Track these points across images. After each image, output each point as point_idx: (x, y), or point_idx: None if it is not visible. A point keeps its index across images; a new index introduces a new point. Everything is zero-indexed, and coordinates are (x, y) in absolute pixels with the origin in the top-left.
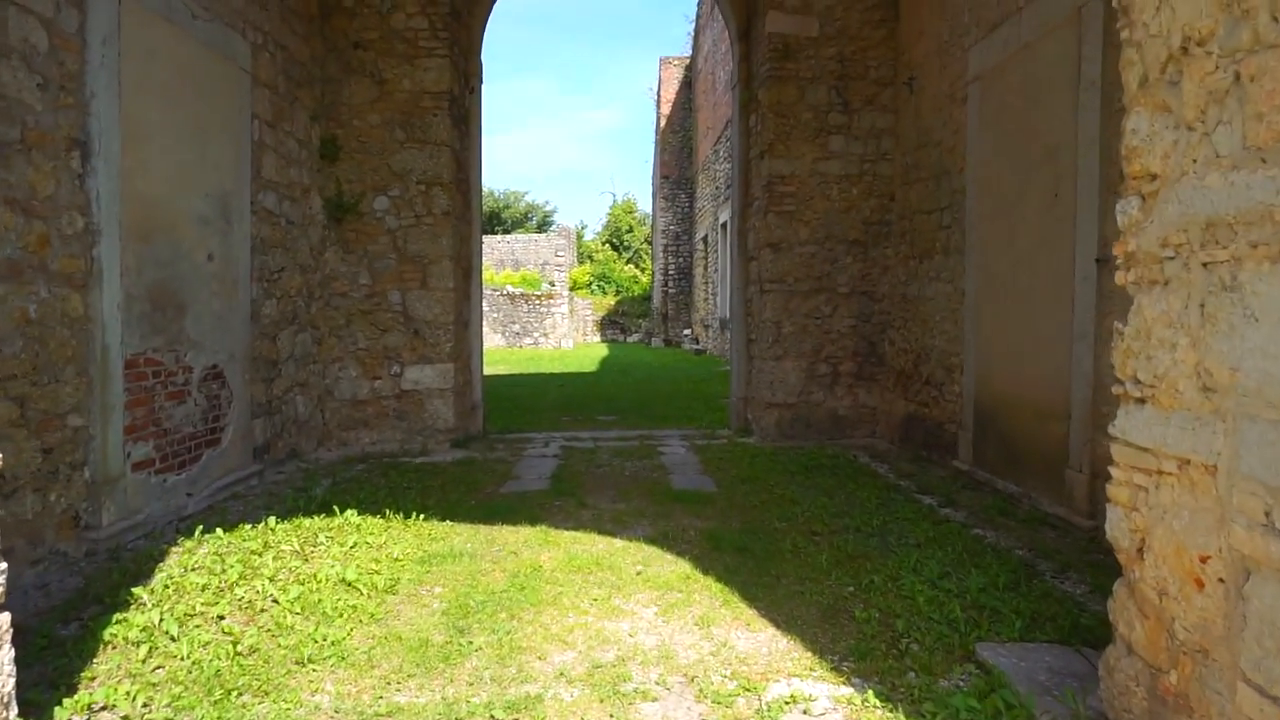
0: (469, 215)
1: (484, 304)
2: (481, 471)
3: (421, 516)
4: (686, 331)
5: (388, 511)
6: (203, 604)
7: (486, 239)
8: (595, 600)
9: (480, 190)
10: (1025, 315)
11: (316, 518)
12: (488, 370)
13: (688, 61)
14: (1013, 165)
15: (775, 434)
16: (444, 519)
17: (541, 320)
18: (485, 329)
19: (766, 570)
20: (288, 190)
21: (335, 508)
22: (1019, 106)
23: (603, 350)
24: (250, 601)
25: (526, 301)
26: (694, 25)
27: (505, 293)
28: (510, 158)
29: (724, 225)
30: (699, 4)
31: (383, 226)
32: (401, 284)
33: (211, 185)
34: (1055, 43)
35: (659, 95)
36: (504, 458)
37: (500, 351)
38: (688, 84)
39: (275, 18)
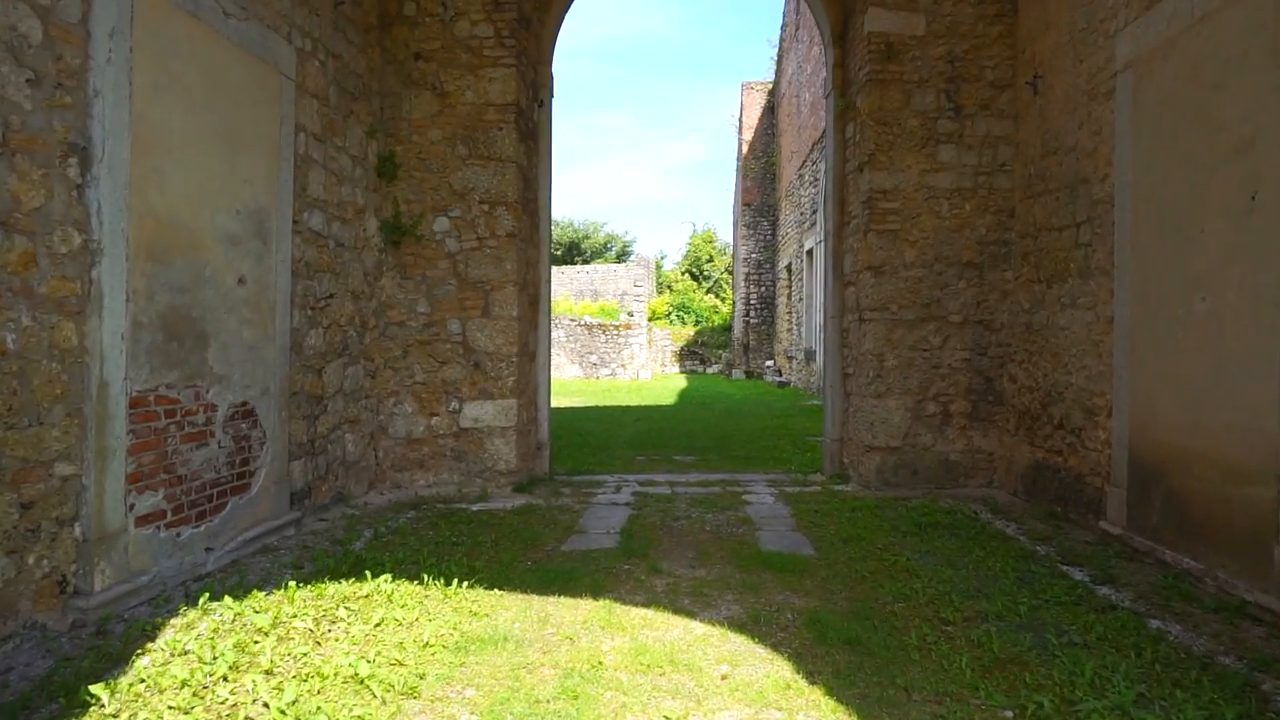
0: (536, 238)
1: (560, 334)
2: (542, 522)
3: (465, 584)
4: (769, 363)
5: (427, 576)
6: (171, 710)
7: (565, 269)
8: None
9: (549, 212)
10: (1206, 348)
11: (345, 582)
12: (561, 402)
13: (770, 86)
14: (1184, 166)
15: (876, 481)
16: (492, 586)
17: (619, 351)
18: (561, 359)
19: (890, 677)
20: (338, 210)
21: (369, 570)
22: (1191, 94)
23: (681, 382)
24: (233, 708)
25: (604, 332)
26: (777, 50)
27: (583, 323)
28: (590, 190)
29: (809, 251)
30: (783, 28)
31: (443, 250)
32: (462, 312)
33: (244, 201)
34: (1244, 9)
35: (741, 121)
36: (570, 505)
37: (576, 383)
38: (770, 109)
39: (327, 24)
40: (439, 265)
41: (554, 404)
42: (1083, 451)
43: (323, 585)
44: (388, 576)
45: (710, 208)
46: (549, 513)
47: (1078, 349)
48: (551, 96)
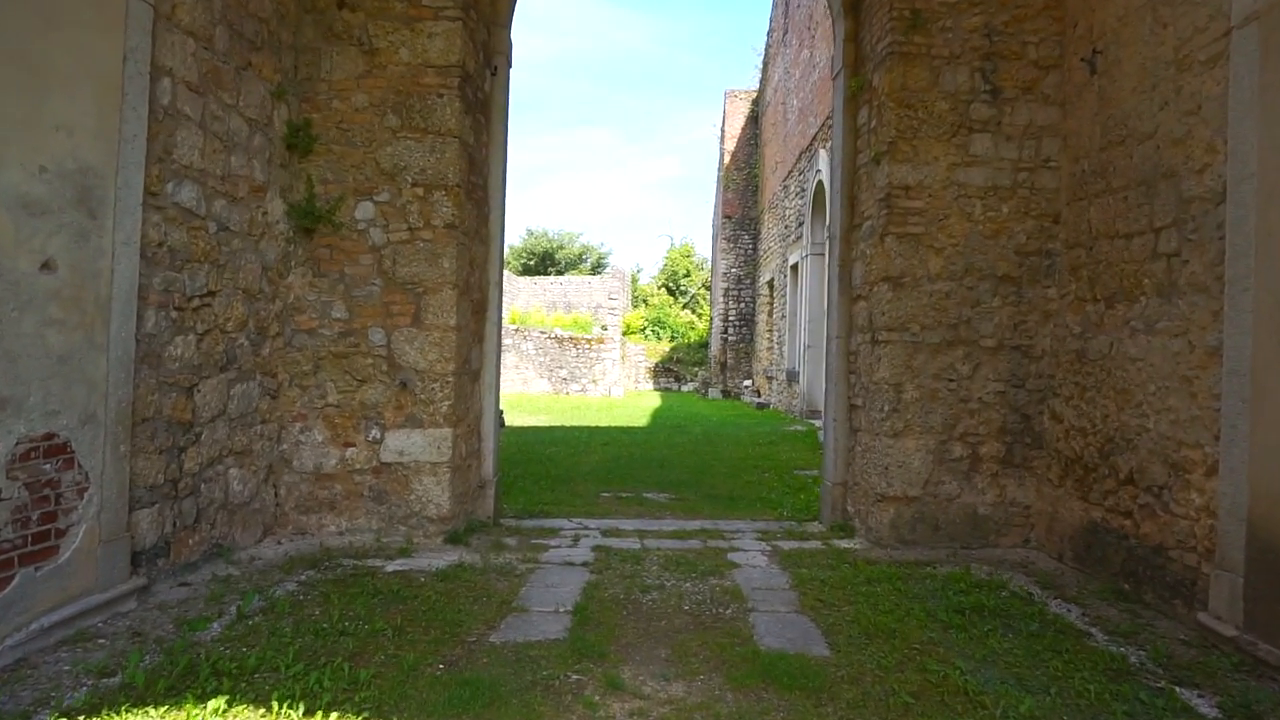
0: (484, 233)
1: (529, 346)
2: (472, 594)
3: (336, 712)
4: (747, 383)
5: (277, 700)
6: None
7: (537, 279)
8: None
9: (503, 202)
10: None
11: (155, 710)
12: (524, 420)
13: (754, 95)
14: None
15: (890, 538)
16: (376, 715)
17: (590, 366)
18: (529, 373)
19: None
20: (223, 185)
21: (203, 682)
22: None
23: (655, 400)
24: None
25: (575, 345)
26: (762, 57)
27: (553, 335)
28: (566, 204)
29: (794, 266)
30: (769, 33)
31: (366, 242)
32: (387, 320)
33: (53, 155)
34: None
35: (723, 130)
36: (512, 565)
37: (544, 399)
38: (754, 119)
39: None
40: (361, 261)
41: (517, 423)
42: (1164, 517)
43: (114, 718)
44: (223, 700)
45: (689, 223)
46: (484, 577)
47: (1157, 386)
48: (509, 66)
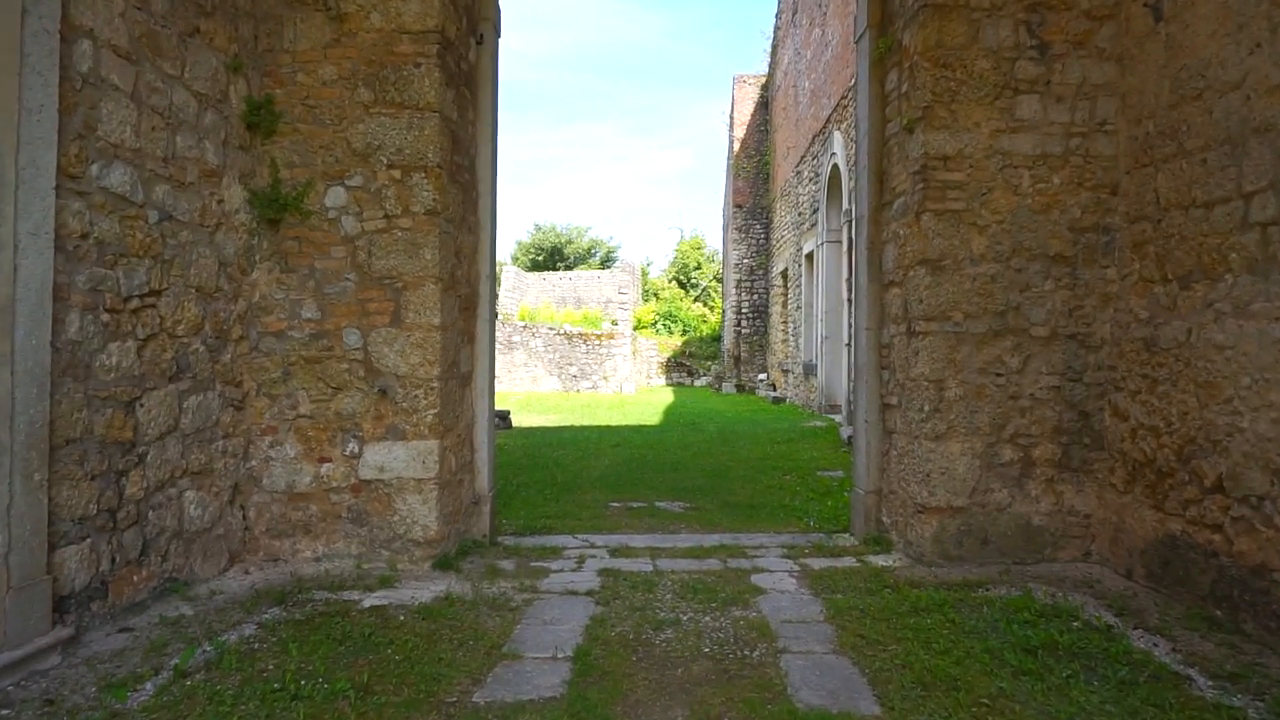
0: (473, 220)
1: (538, 343)
2: (459, 635)
3: None
4: (762, 376)
5: None
6: None
7: (546, 275)
8: None
9: (493, 186)
10: None
11: None
12: (532, 420)
13: (764, 80)
14: None
15: (933, 552)
16: None
17: (601, 362)
18: (539, 371)
19: None
20: (167, 168)
21: None
22: None
23: (668, 396)
24: None
25: (585, 341)
26: (771, 40)
27: (562, 332)
28: (574, 199)
29: (809, 255)
30: (778, 14)
31: (337, 232)
32: (363, 319)
33: None
34: None
35: (732, 117)
36: (507, 596)
37: (554, 397)
38: (764, 104)
39: None
40: (333, 253)
41: (525, 423)
42: (1266, 533)
43: None
44: None
45: (698, 216)
46: (473, 612)
47: (1253, 379)
48: (497, 35)
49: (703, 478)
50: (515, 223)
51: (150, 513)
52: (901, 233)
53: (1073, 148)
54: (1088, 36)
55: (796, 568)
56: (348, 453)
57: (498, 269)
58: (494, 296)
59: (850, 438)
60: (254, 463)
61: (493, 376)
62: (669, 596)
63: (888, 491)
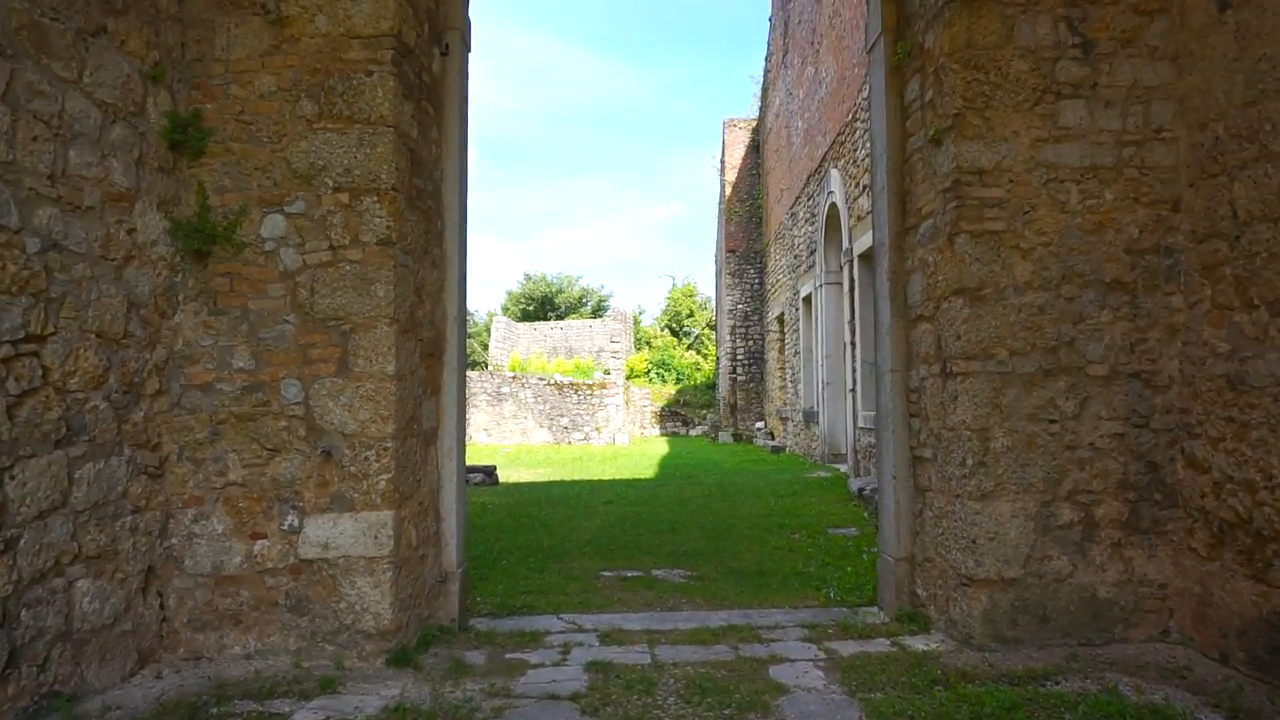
0: (438, 254)
1: (527, 394)
2: None
3: None
4: (759, 425)
5: None
6: None
7: (537, 325)
8: None
9: (463, 215)
10: None
11: None
12: (521, 475)
13: (754, 124)
14: None
15: (983, 633)
16: None
17: (593, 413)
18: (528, 423)
19: None
20: (52, 188)
21: None
22: None
23: (663, 447)
24: None
25: (576, 392)
26: (760, 84)
27: (552, 382)
28: (566, 251)
29: (806, 298)
30: (767, 58)
31: (275, 266)
32: (305, 368)
33: None
34: None
35: (723, 161)
36: (474, 704)
37: (545, 450)
38: (755, 148)
39: None
40: (270, 291)
41: (513, 478)
42: None
43: None
44: None
45: (690, 264)
46: None
47: None
48: (467, 48)
49: (703, 539)
50: (508, 274)
51: (23, 612)
52: (931, 259)
53: (1126, 158)
54: (1137, 33)
55: (822, 655)
56: (286, 527)
57: (489, 318)
58: (463, 341)
59: (861, 490)
60: (174, 541)
61: (463, 433)
62: (672, 701)
63: (923, 559)
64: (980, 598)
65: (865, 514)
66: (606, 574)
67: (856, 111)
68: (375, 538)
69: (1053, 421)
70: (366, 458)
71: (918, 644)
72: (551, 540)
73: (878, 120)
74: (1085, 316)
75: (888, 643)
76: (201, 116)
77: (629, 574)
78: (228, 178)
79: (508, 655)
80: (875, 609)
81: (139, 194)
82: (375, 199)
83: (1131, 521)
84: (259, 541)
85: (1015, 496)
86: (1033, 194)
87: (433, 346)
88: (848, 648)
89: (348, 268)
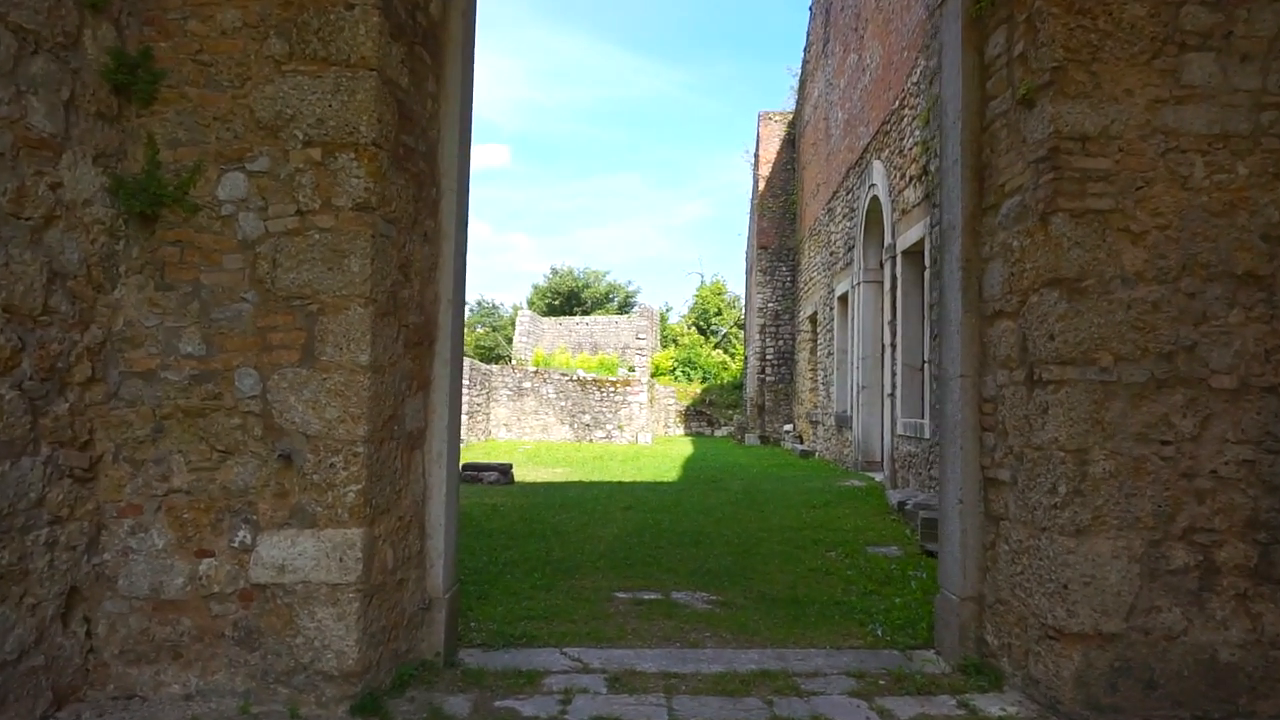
0: (429, 225)
1: (549, 390)
2: None
3: None
4: (788, 428)
5: None
6: None
7: (562, 320)
8: None
9: (463, 184)
10: None
11: None
12: (539, 475)
13: (790, 117)
14: None
15: (1075, 699)
16: None
17: (616, 411)
18: (549, 419)
19: None
20: None
21: None
22: None
23: (687, 448)
24: None
25: (599, 388)
26: (798, 76)
27: (575, 378)
28: (595, 249)
29: (842, 297)
30: (806, 48)
31: (233, 234)
32: (263, 355)
33: None
34: None
35: (757, 155)
36: None
37: (565, 448)
38: (790, 142)
39: None
40: (226, 263)
41: (529, 477)
42: None
43: None
44: None
45: (719, 264)
46: None
47: None
48: None
49: (729, 555)
50: (536, 271)
51: None
52: (1016, 244)
53: (1265, 124)
54: None
55: (875, 717)
56: (236, 544)
57: (514, 312)
58: (459, 329)
59: (903, 505)
60: (106, 556)
61: (456, 436)
62: None
63: (994, 600)
64: (1071, 655)
65: (908, 531)
66: (621, 595)
67: (904, 98)
68: (340, 560)
69: (1166, 443)
70: (333, 464)
71: (991, 708)
72: (563, 551)
73: (950, 83)
74: (1210, 316)
75: (953, 702)
76: (153, 56)
77: (646, 596)
78: (182, 129)
79: (497, 704)
80: (932, 654)
81: (68, 142)
82: (352, 155)
83: (1261, 569)
84: (205, 560)
85: (1117, 533)
86: (1147, 166)
87: (421, 334)
88: (906, 708)
89: (317, 236)
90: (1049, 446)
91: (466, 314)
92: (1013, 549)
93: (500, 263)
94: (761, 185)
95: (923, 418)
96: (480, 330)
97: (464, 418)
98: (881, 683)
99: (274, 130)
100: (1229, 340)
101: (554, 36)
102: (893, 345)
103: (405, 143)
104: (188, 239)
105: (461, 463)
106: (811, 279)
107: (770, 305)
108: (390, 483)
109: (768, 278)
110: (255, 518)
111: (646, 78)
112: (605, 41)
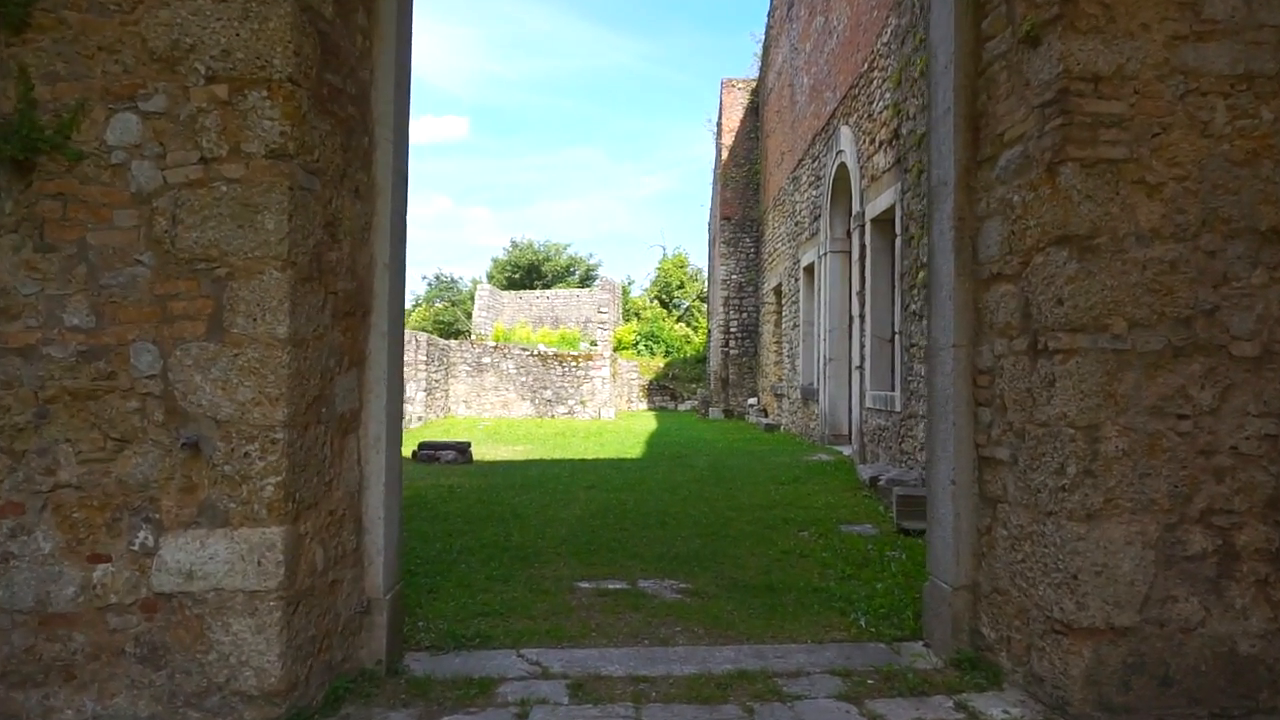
0: (362, 179)
1: (509, 365)
2: None
3: None
4: (752, 401)
5: None
6: None
7: (522, 294)
8: None
9: (400, 133)
10: None
11: None
12: (498, 454)
13: (754, 85)
14: None
15: (1085, 698)
16: None
17: (578, 386)
18: (510, 395)
19: None
20: None
21: None
22: None
23: (650, 422)
24: None
25: (561, 363)
26: (762, 41)
27: (536, 353)
28: (556, 223)
29: (808, 268)
30: (770, 12)
31: (125, 184)
32: (163, 327)
33: None
34: None
35: (720, 124)
36: None
37: (526, 424)
38: (754, 110)
39: None
40: (117, 220)
41: (489, 456)
42: None
43: None
44: None
45: (682, 237)
46: None
47: None
48: None
49: (698, 537)
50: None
51: None
52: (1017, 199)
53: None
54: None
55: None
56: (136, 547)
57: (474, 285)
58: (399, 296)
59: (875, 480)
60: None
61: (397, 417)
62: None
63: (991, 590)
64: (1081, 651)
65: (881, 508)
66: (584, 585)
67: (874, 59)
68: (259, 564)
69: (1183, 417)
70: (248, 453)
71: (993, 709)
72: (522, 536)
73: (939, 24)
74: (1231, 277)
75: (950, 704)
76: None
77: (611, 586)
78: (61, 60)
79: (445, 718)
80: (921, 646)
81: None
82: (264, 93)
83: None
84: (100, 566)
85: (1131, 517)
86: (1165, 110)
87: (353, 303)
88: (900, 712)
89: (225, 189)
90: (1056, 423)
91: (424, 288)
92: (1012, 535)
93: (461, 237)
94: (725, 154)
95: (893, 390)
96: (439, 305)
97: (421, 394)
98: (870, 682)
99: (171, 63)
100: (1251, 303)
101: (513, 5)
102: (861, 316)
103: (330, 82)
104: (71, 191)
105: (418, 441)
106: (776, 250)
107: (734, 277)
108: (318, 473)
109: (731, 249)
110: (158, 516)
111: (608, 49)
112: (565, 12)
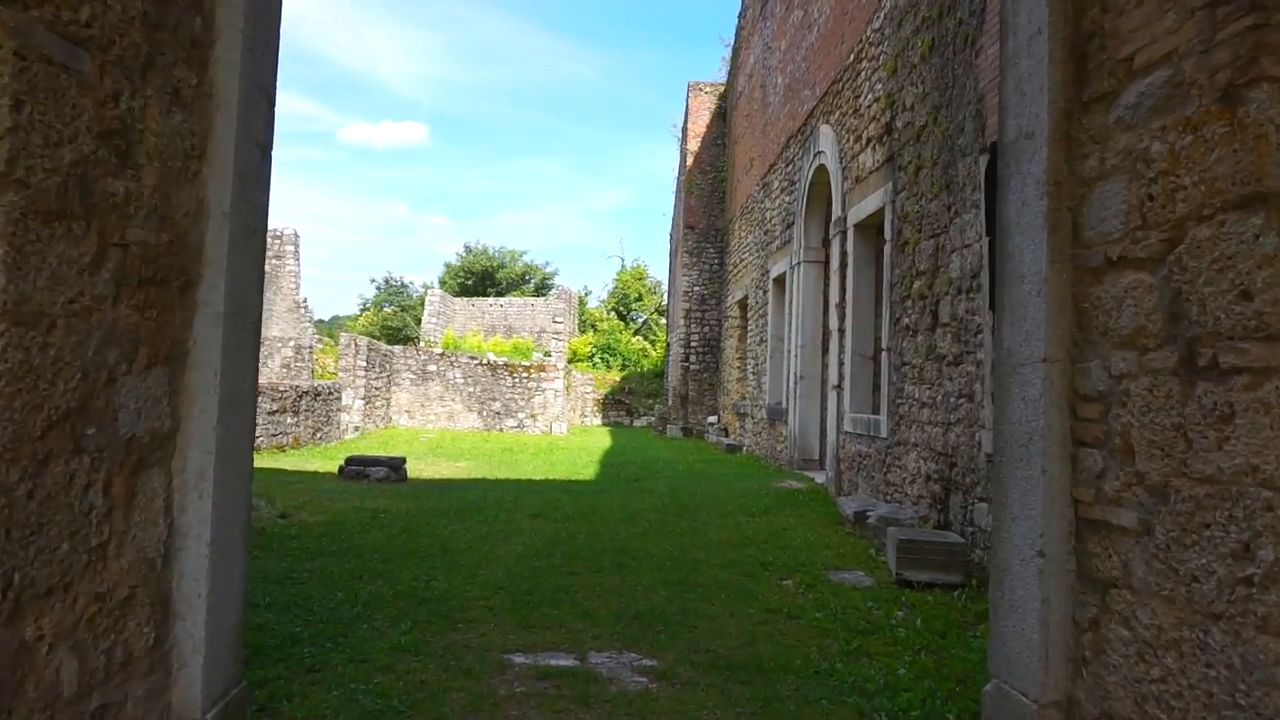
0: (184, 77)
1: (456, 375)
2: None
3: None
4: (712, 419)
5: None
6: None
7: (475, 301)
8: None
9: (266, 23)
10: None
11: None
12: (437, 471)
13: (722, 89)
14: None
15: None
16: None
17: (529, 398)
18: (456, 406)
19: None
20: None
21: None
22: None
23: (605, 439)
24: None
25: (511, 374)
26: (732, 45)
27: (484, 362)
28: (513, 232)
29: (778, 279)
30: (741, 13)
31: None
32: None
33: None
34: None
35: (685, 128)
36: None
37: (472, 437)
38: (721, 116)
39: None
40: None
41: (426, 473)
42: None
43: None
44: None
45: (641, 249)
46: None
47: None
48: None
49: (663, 587)
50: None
51: None
52: (1160, 147)
53: None
54: None
55: None
56: None
57: (425, 291)
58: (255, 265)
59: (863, 516)
60: None
61: (245, 441)
62: None
63: (1100, 715)
64: None
65: (871, 551)
66: (518, 660)
67: (862, 48)
68: None
69: None
70: None
71: None
72: (449, 581)
73: None
74: None
75: None
76: None
77: (554, 662)
78: None
79: None
80: None
81: None
82: None
83: None
84: None
85: None
86: None
87: (160, 265)
88: None
89: None
90: (1234, 478)
91: (373, 292)
92: (1137, 639)
93: (417, 243)
94: (689, 161)
95: (878, 413)
96: (388, 310)
97: (359, 403)
98: None
99: None
100: None
101: (474, 12)
102: (841, 331)
103: None
104: None
105: (347, 455)
106: (742, 260)
107: (696, 289)
108: (71, 535)
109: (694, 259)
110: None
111: (569, 61)
112: (526, 20)
